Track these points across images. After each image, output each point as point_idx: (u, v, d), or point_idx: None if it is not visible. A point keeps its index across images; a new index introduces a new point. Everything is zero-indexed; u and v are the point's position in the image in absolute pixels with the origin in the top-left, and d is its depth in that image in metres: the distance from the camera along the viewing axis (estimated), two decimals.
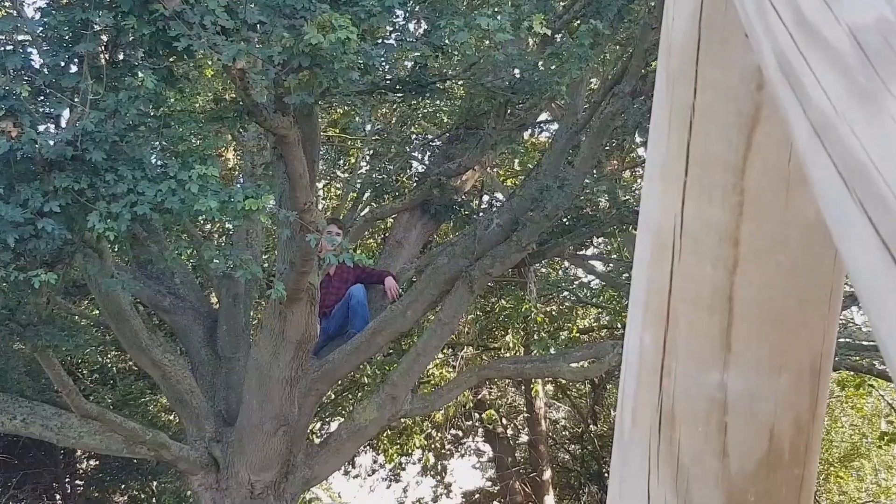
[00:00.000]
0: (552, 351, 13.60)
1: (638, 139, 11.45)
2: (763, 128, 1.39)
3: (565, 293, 16.76)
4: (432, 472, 20.88)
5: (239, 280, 10.39)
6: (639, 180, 14.95)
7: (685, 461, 1.47)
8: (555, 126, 12.89)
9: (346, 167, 15.47)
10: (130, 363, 14.83)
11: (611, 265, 16.41)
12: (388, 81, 9.02)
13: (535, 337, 14.89)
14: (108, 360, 15.25)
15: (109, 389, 14.99)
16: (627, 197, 11.57)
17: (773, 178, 1.40)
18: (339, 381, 13.17)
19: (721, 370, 1.43)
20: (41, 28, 6.59)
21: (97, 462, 17.57)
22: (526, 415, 19.67)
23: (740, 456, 1.44)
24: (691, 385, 1.45)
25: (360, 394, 15.07)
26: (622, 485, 1.57)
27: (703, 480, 1.46)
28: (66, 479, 17.40)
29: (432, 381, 16.00)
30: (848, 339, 12.23)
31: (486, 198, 13.88)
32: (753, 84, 1.39)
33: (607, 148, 11.04)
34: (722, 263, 1.41)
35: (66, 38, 6.59)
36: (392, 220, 12.64)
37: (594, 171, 11.05)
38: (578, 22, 9.80)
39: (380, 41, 7.92)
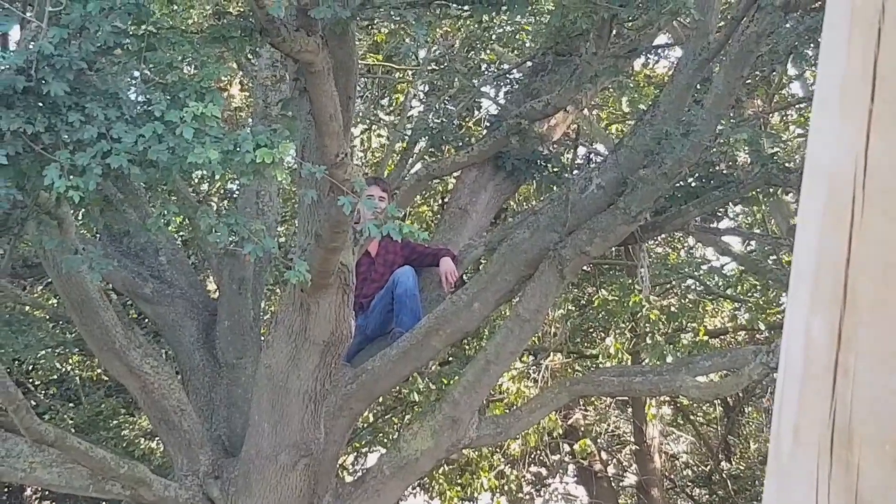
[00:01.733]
0: (670, 360, 13.59)
1: (792, 70, 11.37)
2: None
3: (689, 281, 16.69)
4: None
5: (246, 259, 10.47)
6: (792, 127, 14.87)
7: (866, 495, 1.46)
8: (678, 52, 12.84)
9: (392, 107, 15.51)
10: (100, 371, 14.98)
11: (752, 243, 16.37)
12: None
13: (648, 340, 14.85)
14: (69, 367, 15.39)
15: (72, 407, 15.14)
16: (776, 149, 11.49)
17: None
18: (381, 399, 13.22)
19: None
20: None
21: None
22: (634, 447, 19.65)
23: None
24: (878, 389, 1.44)
25: (408, 415, 15.14)
26: None
27: None
28: None
29: (507, 400, 16.02)
30: None
31: (582, 150, 13.85)
32: None
33: (749, 82, 10.97)
34: None
35: None
36: (454, 180, 12.65)
37: (731, 115, 10.99)
38: None
39: None
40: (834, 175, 1.46)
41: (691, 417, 20.67)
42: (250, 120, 11.89)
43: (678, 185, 10.77)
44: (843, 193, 1.45)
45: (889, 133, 1.41)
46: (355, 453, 17.53)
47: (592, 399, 17.80)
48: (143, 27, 6.97)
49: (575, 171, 11.08)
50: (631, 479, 20.51)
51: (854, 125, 1.44)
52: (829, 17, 1.50)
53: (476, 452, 17.38)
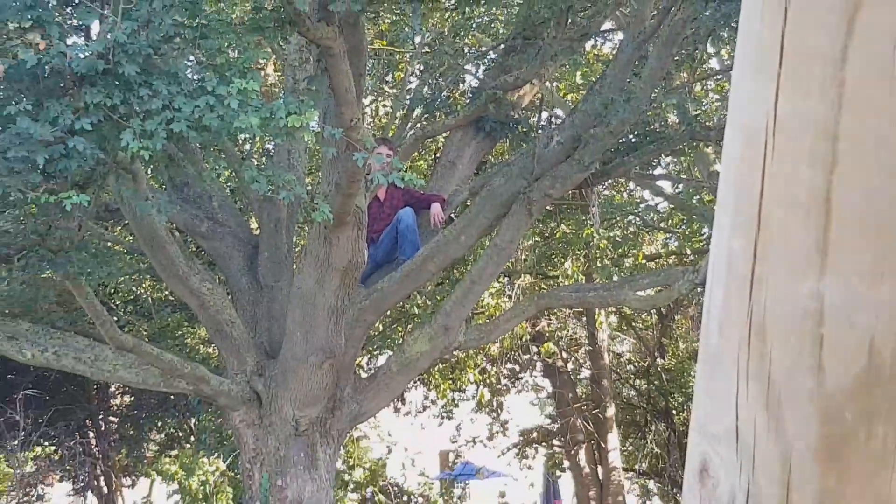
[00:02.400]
0: (616, 279, 13.61)
1: (711, 49, 11.33)
2: (866, 12, 1.37)
3: (630, 217, 16.70)
4: (487, 409, 21.07)
5: (281, 203, 10.44)
6: (710, 94, 14.83)
7: (777, 377, 1.46)
8: (620, 35, 12.79)
9: (394, 82, 15.46)
10: (166, 293, 15.00)
11: (680, 186, 16.37)
12: None
13: (598, 264, 14.88)
14: (143, 290, 15.41)
15: (145, 321, 15.18)
16: (699, 111, 11.49)
17: (876, 68, 1.37)
18: (388, 312, 13.24)
19: (817, 278, 1.41)
20: None
21: (132, 398, 17.86)
22: (588, 348, 19.73)
23: (837, 371, 1.43)
24: (784, 294, 1.44)
25: (410, 325, 15.17)
26: (708, 403, 1.57)
27: (797, 397, 1.45)
28: (100, 416, 17.70)
29: (487, 312, 16.05)
30: None
31: (545, 114, 13.80)
32: None
33: (677, 59, 10.92)
34: (819, 162, 1.39)
35: None
36: (444, 139, 12.63)
37: (663, 84, 10.95)
38: None
39: None
40: (749, 126, 1.47)
41: (633, 324, 20.71)
42: (282, 93, 11.82)
43: (621, 140, 10.77)
44: (757, 140, 1.45)
45: (793, 92, 1.42)
46: (369, 356, 17.55)
47: (555, 310, 17.80)
48: (197, 20, 6.94)
49: (539, 131, 11.02)
50: (586, 373, 20.57)
51: (766, 85, 1.44)
52: (745, 1, 1.50)
53: (464, 354, 17.42)
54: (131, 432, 17.99)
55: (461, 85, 13.30)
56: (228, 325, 10.13)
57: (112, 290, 15.02)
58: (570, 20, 10.40)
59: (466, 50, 13.11)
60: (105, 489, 18.09)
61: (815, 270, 1.41)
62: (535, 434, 21.99)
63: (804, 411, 1.45)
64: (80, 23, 6.76)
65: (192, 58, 8.02)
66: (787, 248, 1.43)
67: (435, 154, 15.15)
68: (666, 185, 16.63)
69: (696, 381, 1.61)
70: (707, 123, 11.00)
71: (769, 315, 1.45)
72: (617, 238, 15.64)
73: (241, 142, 13.96)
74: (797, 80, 1.40)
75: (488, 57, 12.60)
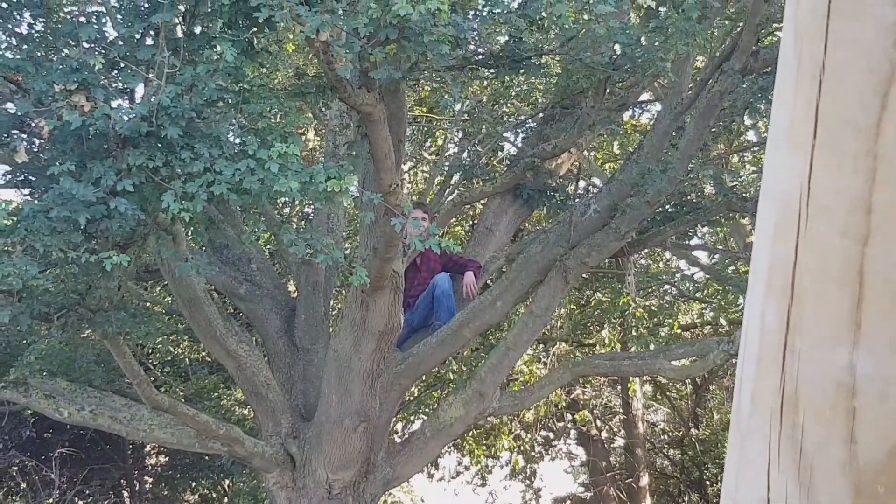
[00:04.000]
0: (651, 348, 13.55)
1: (748, 121, 11.33)
2: None
3: (666, 286, 16.65)
4: (521, 476, 20.91)
5: (319, 267, 10.48)
6: (747, 165, 14.81)
7: (809, 449, 1.45)
8: (657, 106, 12.82)
9: (433, 149, 15.52)
10: (204, 354, 15.01)
11: (716, 256, 16.30)
12: (479, 56, 8.98)
13: (634, 333, 14.83)
14: (180, 351, 15.45)
15: (182, 381, 15.18)
16: (735, 183, 11.47)
17: None
18: (423, 377, 13.22)
19: (850, 350, 1.40)
20: None
21: (167, 458, 17.82)
22: (622, 416, 19.62)
23: (870, 443, 1.42)
24: (817, 366, 1.43)
25: (445, 391, 15.12)
26: (739, 474, 1.56)
27: (829, 470, 1.44)
28: (135, 475, 17.68)
29: (522, 379, 15.99)
30: None
31: (582, 182, 13.81)
32: (890, 40, 1.37)
33: (714, 130, 10.93)
34: (853, 234, 1.39)
35: (142, 8, 6.67)
36: (481, 206, 12.64)
37: (700, 155, 10.95)
38: None
39: (472, 13, 7.92)
40: (783, 197, 1.47)
41: (667, 393, 20.58)
42: (322, 158, 11.88)
43: (658, 210, 10.74)
44: (791, 211, 1.45)
45: (827, 163, 1.42)
46: (404, 421, 17.51)
47: (590, 378, 17.74)
48: (240, 85, 6.99)
49: (577, 199, 11.02)
50: (620, 441, 20.42)
51: (800, 157, 1.44)
52: (780, 71, 1.50)
53: (498, 420, 17.35)
54: (165, 492, 17.94)
55: (499, 152, 13.33)
56: (264, 387, 10.14)
57: (150, 351, 15.06)
58: (608, 90, 10.42)
59: (505, 118, 13.14)
60: None
61: (847, 342, 1.40)
62: (568, 502, 21.82)
63: (836, 484, 1.44)
64: (125, 86, 6.81)
65: (234, 122, 8.08)
66: (819, 320, 1.42)
67: (472, 220, 15.17)
68: (702, 256, 16.55)
69: (728, 451, 1.60)
70: (744, 195, 10.95)
71: (801, 386, 1.44)
72: (653, 307, 15.58)
73: (280, 205, 14.02)
74: (831, 152, 1.40)
75: (527, 125, 12.63)
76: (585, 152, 12.72)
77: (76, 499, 15.94)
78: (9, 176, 7.41)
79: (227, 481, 17.63)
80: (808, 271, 1.43)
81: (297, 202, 12.91)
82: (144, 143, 6.51)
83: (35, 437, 15.06)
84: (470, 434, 17.48)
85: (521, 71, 9.05)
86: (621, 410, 19.61)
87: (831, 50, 1.40)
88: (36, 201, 6.66)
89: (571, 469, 22.83)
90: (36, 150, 7.07)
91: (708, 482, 19.76)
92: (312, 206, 12.30)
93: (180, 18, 6.93)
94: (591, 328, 16.34)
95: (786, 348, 1.46)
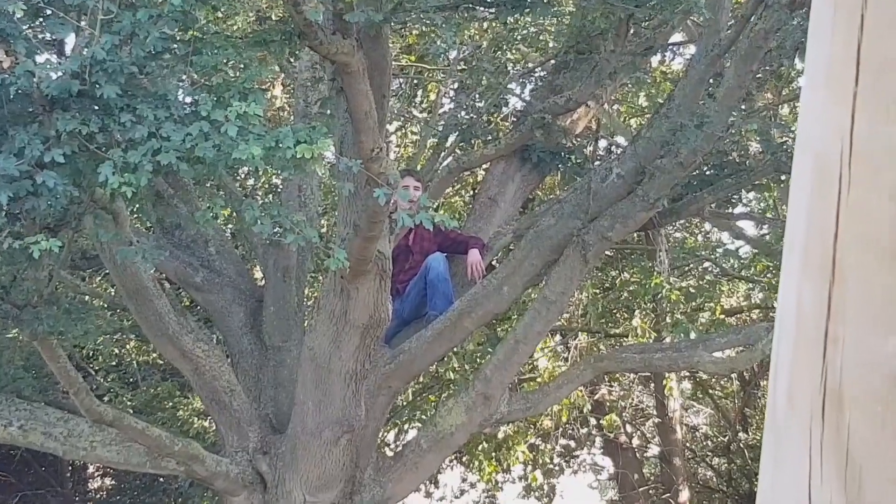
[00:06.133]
0: (690, 337, 13.55)
1: (798, 65, 11.31)
2: None
3: (706, 264, 16.65)
4: (538, 494, 20.92)
5: (289, 249, 10.48)
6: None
7: (857, 453, 1.45)
8: (691, 49, 12.80)
9: (424, 105, 15.50)
10: (155, 356, 15.03)
11: (765, 227, 16.31)
12: None
13: (668, 319, 14.83)
14: (126, 353, 15.45)
15: (129, 389, 15.19)
16: (785, 139, 11.44)
17: None
18: (418, 377, 13.23)
19: None
20: None
21: (113, 481, 17.87)
22: (656, 420, 19.62)
23: None
24: (865, 355, 1.43)
25: (444, 393, 15.13)
26: (775, 483, 1.56)
27: (880, 477, 1.44)
28: (76, 502, 17.71)
29: (537, 378, 16.01)
30: None
31: (602, 142, 13.82)
32: None
33: (759, 76, 10.91)
34: None
35: None
36: (483, 172, 12.64)
37: (742, 107, 10.94)
38: None
39: None
40: (822, 154, 1.46)
41: (710, 391, 20.61)
42: (291, 119, 11.89)
43: (693, 173, 10.75)
44: (830, 171, 1.44)
45: (873, 115, 1.41)
46: (396, 429, 17.54)
47: (617, 375, 17.76)
48: (190, 33, 6.97)
49: (596, 162, 11.05)
50: (654, 449, 20.47)
51: (840, 107, 1.44)
52: (815, 6, 1.50)
53: (510, 428, 17.37)
54: None
55: (503, 108, 13.31)
56: (227, 394, 10.15)
57: (89, 353, 15.05)
58: (631, 31, 10.42)
59: (509, 67, 13.12)
60: None
61: None
62: None
63: (890, 496, 1.44)
64: (52, 37, 6.80)
65: (183, 77, 8.06)
66: (867, 300, 1.42)
67: (473, 189, 15.17)
68: (748, 226, 16.57)
69: (762, 457, 1.61)
70: None
71: (846, 379, 1.44)
72: (690, 289, 15.58)
73: (242, 176, 14.02)
74: (876, 99, 1.40)
75: (535, 75, 12.63)
76: (606, 106, 12.71)
77: None
78: None
79: None
80: (851, 244, 1.43)
81: (261, 172, 12.89)
82: (76, 105, 6.49)
83: None
84: (476, 445, 17.50)
85: (527, 10, 9.03)
86: (655, 413, 19.62)
87: None
88: None
89: (597, 484, 22.90)
90: None
91: None
92: (280, 177, 12.30)
93: None
94: (618, 315, 16.35)
95: (827, 336, 1.46)
